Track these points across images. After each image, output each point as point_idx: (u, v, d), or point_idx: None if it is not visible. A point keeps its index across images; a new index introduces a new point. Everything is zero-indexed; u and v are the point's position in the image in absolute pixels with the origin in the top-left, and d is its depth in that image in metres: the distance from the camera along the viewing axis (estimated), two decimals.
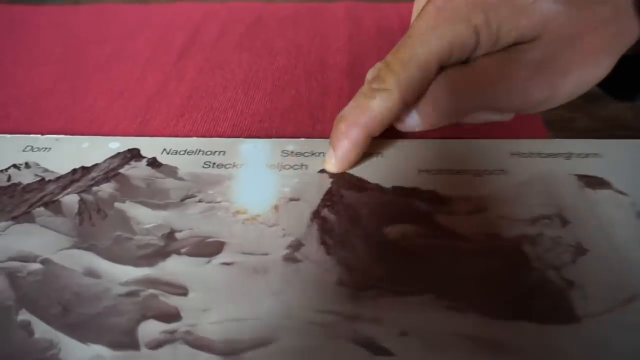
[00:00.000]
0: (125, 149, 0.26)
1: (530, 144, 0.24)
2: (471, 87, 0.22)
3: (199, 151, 0.25)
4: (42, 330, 0.17)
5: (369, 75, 0.22)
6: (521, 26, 0.20)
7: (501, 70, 0.21)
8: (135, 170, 0.24)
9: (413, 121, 0.23)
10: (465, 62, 0.22)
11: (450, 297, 0.18)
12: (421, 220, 0.21)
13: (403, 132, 0.24)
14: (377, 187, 0.23)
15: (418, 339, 0.17)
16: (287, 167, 0.24)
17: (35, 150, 0.26)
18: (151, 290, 0.19)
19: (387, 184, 0.23)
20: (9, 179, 0.24)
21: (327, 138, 0.25)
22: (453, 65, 0.22)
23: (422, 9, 0.21)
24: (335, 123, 0.22)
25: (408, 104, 0.22)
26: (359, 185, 0.23)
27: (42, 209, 0.22)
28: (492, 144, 0.25)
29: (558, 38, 0.20)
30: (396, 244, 0.20)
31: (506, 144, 0.24)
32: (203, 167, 0.24)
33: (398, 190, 0.22)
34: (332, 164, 0.23)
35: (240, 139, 0.26)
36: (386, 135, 0.23)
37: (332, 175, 0.23)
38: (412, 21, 0.23)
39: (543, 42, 0.20)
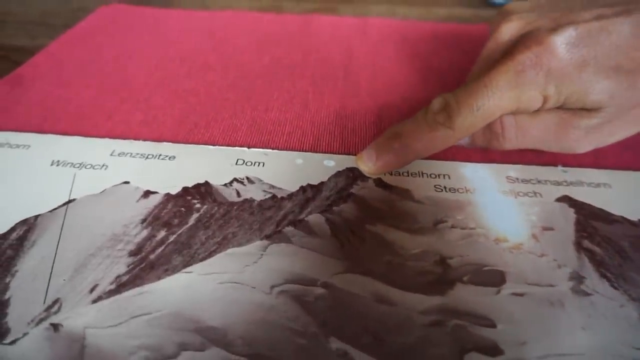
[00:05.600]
0: (343, 167, 0.25)
1: None
2: (529, 134, 0.23)
3: (422, 173, 0.25)
4: None
5: (436, 105, 0.22)
6: (588, 101, 0.22)
7: (557, 129, 0.23)
8: (367, 191, 0.24)
9: (464, 140, 0.25)
10: None
11: None
12: None
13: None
14: (625, 220, 0.23)
15: None
16: (521, 194, 0.24)
17: (248, 164, 0.25)
18: (456, 321, 0.18)
19: (632, 216, 0.23)
20: (238, 194, 0.23)
21: (538, 165, 0.25)
22: None
23: (502, 63, 0.22)
24: (389, 135, 0.23)
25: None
26: (604, 216, 0.23)
27: (291, 228, 0.22)
28: None
29: (618, 110, 0.22)
30: None
31: None
32: (435, 190, 0.24)
33: None
34: (369, 167, 0.24)
35: (457, 162, 0.26)
36: (587, 162, 0.25)
37: (571, 204, 0.23)
38: (480, 59, 0.25)
39: (603, 113, 0.22)
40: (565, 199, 0.24)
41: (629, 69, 0.21)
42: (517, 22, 0.23)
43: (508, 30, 0.23)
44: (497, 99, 0.21)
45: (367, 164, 0.24)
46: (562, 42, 0.21)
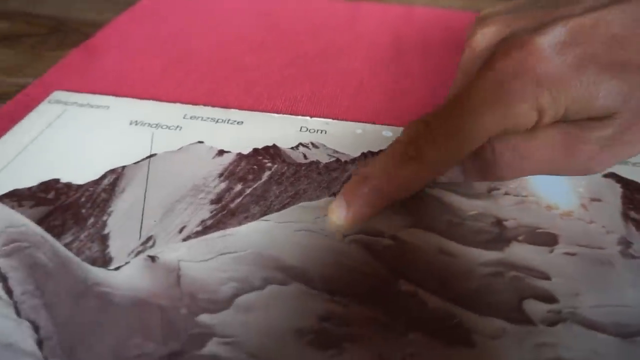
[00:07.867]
0: None
1: None
2: (530, 157, 0.19)
3: None
4: (433, 300, 0.19)
5: (404, 135, 0.19)
6: (596, 107, 0.17)
7: (564, 148, 0.19)
8: None
9: (455, 175, 0.23)
10: None
11: None
12: None
13: None
14: None
15: None
16: None
17: (311, 131, 0.27)
18: (513, 273, 0.20)
19: None
20: (305, 156, 0.25)
21: None
22: None
23: (479, 76, 0.18)
24: (356, 179, 0.19)
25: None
26: None
27: None
28: None
29: (635, 114, 0.18)
30: None
31: None
32: None
33: None
34: (342, 219, 0.19)
35: None
36: None
37: (617, 180, 0.25)
38: (457, 75, 0.21)
39: (617, 119, 0.18)
40: (611, 175, 0.25)
41: (638, 63, 0.17)
42: (493, 27, 0.19)
43: (484, 36, 0.19)
44: (477, 121, 0.17)
45: (339, 215, 0.19)
46: (549, 42, 0.17)
